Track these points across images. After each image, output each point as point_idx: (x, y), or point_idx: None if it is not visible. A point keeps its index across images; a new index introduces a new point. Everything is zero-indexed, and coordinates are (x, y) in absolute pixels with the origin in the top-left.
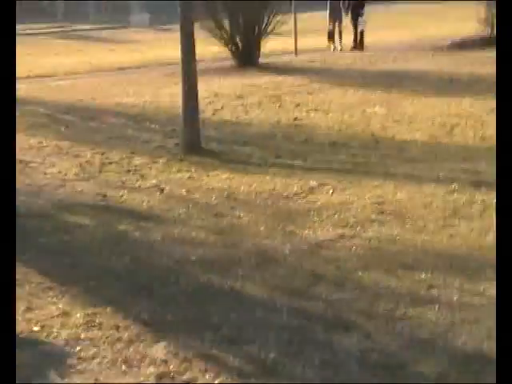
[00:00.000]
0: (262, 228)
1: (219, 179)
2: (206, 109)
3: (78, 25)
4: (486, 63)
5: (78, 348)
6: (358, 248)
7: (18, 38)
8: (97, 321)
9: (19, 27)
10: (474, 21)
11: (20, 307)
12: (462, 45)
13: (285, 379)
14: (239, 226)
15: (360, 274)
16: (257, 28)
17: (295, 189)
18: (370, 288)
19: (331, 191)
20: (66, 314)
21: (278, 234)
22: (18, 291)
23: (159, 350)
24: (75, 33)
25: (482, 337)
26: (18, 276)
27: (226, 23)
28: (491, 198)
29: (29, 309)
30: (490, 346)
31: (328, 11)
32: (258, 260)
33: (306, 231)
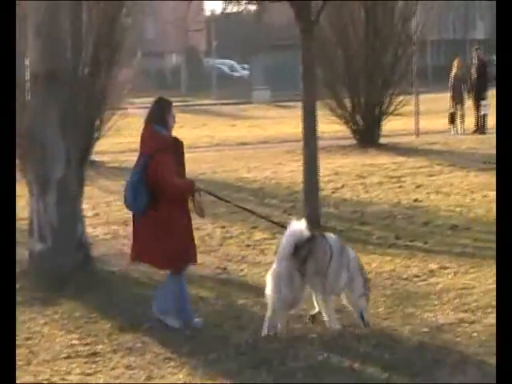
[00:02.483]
0: (381, 309)
1: None
2: (325, 187)
3: (201, 99)
4: None
5: None
6: (480, 334)
7: (143, 110)
8: None
9: (145, 100)
10: None
11: (141, 376)
12: None
13: None
14: None
15: (482, 360)
16: (378, 108)
17: (415, 271)
18: (492, 374)
19: (452, 275)
20: None
21: (397, 315)
22: (138, 360)
23: None
24: (198, 107)
25: None
26: (139, 345)
27: (347, 102)
28: None
29: (150, 377)
30: None
31: (450, 93)
32: (377, 340)
33: (426, 314)
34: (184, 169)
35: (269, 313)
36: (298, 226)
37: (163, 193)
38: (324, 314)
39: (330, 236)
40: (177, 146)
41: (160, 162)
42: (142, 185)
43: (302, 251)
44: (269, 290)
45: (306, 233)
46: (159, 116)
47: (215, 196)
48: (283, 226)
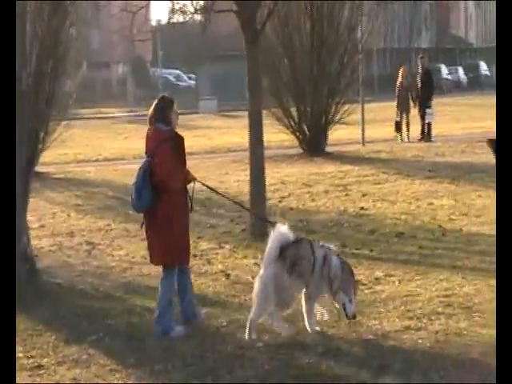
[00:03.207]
0: (327, 317)
1: None
2: (272, 196)
3: (148, 109)
4: None
5: None
6: (425, 340)
7: (90, 122)
8: None
9: (91, 111)
10: None
11: None
12: None
13: None
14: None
15: (427, 366)
16: (324, 117)
17: (361, 279)
18: (436, 379)
19: (397, 282)
20: None
21: (343, 323)
22: (84, 372)
23: None
24: (145, 117)
25: None
26: (84, 357)
27: (294, 111)
28: None
29: None
30: None
31: (396, 102)
32: (323, 348)
33: (372, 322)
34: (184, 162)
35: (251, 315)
36: (283, 229)
37: (164, 189)
38: (304, 315)
39: (316, 242)
40: (176, 140)
41: (159, 155)
42: (145, 184)
43: (288, 253)
44: (254, 294)
45: (291, 236)
46: (161, 114)
47: (209, 187)
48: (270, 222)
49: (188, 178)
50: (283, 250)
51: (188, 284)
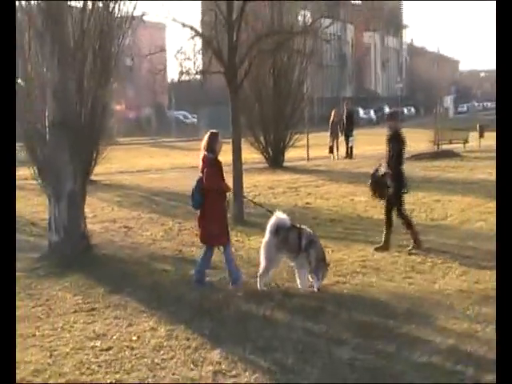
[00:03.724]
0: (284, 274)
1: (256, 242)
2: (248, 195)
3: (165, 137)
4: (434, 170)
5: (161, 352)
6: (349, 290)
7: (125, 147)
8: (174, 334)
9: (127, 138)
10: (426, 141)
11: (124, 324)
12: (417, 157)
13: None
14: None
15: (351, 307)
16: (282, 143)
17: None
18: (356, 313)
19: (331, 251)
20: (153, 329)
21: (294, 279)
22: (122, 313)
23: (215, 355)
24: (163, 143)
25: None
26: (122, 303)
27: (262, 139)
28: (436, 259)
29: (130, 325)
30: None
31: (329, 132)
32: (282, 294)
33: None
34: (222, 176)
35: (260, 271)
36: (280, 215)
37: (208, 195)
38: (297, 278)
39: (306, 229)
40: (217, 164)
41: (207, 174)
42: (198, 191)
43: (280, 233)
44: (260, 257)
45: (288, 222)
46: (209, 145)
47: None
48: (271, 212)
49: (225, 188)
50: (279, 230)
51: (227, 256)
